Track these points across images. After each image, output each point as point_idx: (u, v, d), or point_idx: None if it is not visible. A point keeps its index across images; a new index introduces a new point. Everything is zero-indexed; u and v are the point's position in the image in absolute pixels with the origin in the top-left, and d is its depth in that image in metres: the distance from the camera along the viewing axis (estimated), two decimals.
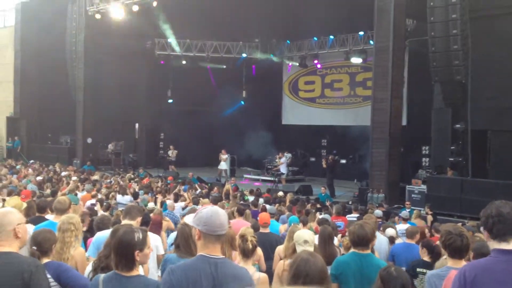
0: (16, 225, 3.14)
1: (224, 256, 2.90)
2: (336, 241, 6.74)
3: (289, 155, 23.31)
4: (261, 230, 7.20)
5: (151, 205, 10.75)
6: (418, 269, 5.60)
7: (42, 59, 26.65)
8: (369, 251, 4.33)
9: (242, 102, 28.38)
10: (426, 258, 5.77)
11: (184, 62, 26.64)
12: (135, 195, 12.79)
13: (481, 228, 2.92)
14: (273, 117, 28.17)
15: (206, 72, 27.47)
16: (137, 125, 28.74)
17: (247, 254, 4.34)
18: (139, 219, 5.15)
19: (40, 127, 28.11)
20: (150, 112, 28.00)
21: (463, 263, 3.77)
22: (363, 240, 4.26)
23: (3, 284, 2.95)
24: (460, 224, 8.56)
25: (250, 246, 4.33)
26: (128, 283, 2.93)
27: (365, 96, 23.58)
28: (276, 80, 28.89)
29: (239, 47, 26.73)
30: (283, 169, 22.28)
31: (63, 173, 18.45)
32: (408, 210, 12.54)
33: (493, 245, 2.76)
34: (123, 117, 26.92)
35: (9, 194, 10.06)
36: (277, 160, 22.87)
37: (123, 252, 2.96)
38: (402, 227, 9.62)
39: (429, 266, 5.40)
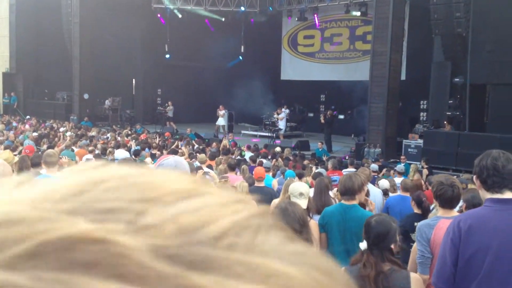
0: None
1: None
2: (331, 194, 6.77)
3: (287, 110, 23.22)
4: (256, 184, 7.23)
5: (148, 160, 10.75)
6: (415, 223, 5.62)
7: (38, 14, 26.16)
8: (355, 202, 4.35)
9: (241, 58, 28.04)
10: (417, 211, 5.80)
11: (180, 16, 26.14)
12: (135, 152, 12.74)
13: (474, 177, 2.90)
14: (272, 73, 27.88)
15: (204, 26, 26.99)
16: (134, 81, 28.47)
17: None
18: None
19: (36, 82, 27.86)
20: (147, 67, 27.66)
21: (453, 213, 3.78)
22: (349, 191, 4.29)
23: None
24: (455, 177, 8.59)
25: None
26: None
27: (365, 50, 23.26)
28: (275, 34, 28.45)
29: (237, 0, 26.18)
30: (281, 124, 22.22)
31: (62, 129, 18.40)
32: (403, 164, 12.58)
33: (486, 195, 2.75)
34: (120, 73, 26.63)
35: (6, 149, 10.03)
36: (275, 115, 22.79)
37: None
38: (397, 180, 9.66)
39: (422, 218, 5.43)
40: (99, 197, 0.25)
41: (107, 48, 25.00)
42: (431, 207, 6.03)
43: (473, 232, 2.61)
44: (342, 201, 4.41)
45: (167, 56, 27.79)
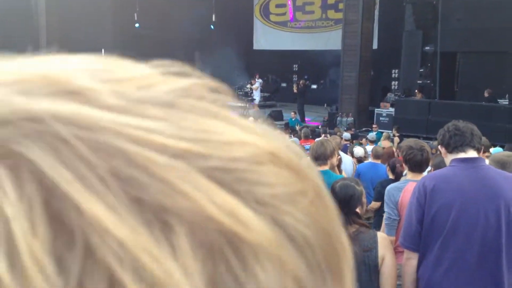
0: None
1: None
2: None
3: (261, 80, 23.10)
4: None
5: None
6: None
7: None
8: (327, 168, 4.35)
9: (212, 27, 27.64)
10: (390, 176, 5.88)
11: None
12: None
13: (439, 146, 2.97)
14: (244, 42, 27.58)
15: None
16: (103, 51, 27.66)
17: None
18: None
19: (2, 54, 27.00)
20: (117, 37, 27.00)
21: (422, 176, 3.83)
22: (321, 156, 4.28)
23: None
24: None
25: None
26: None
27: (337, 19, 23.13)
28: (247, 3, 28.05)
29: None
30: (256, 94, 22.10)
31: None
32: (375, 132, 12.70)
33: (451, 158, 2.80)
34: (89, 43, 25.91)
35: None
36: (249, 86, 22.64)
37: None
38: (368, 148, 9.75)
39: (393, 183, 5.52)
40: None
41: (74, 16, 24.30)
42: (404, 173, 6.14)
43: (437, 190, 2.66)
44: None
45: (137, 25, 27.19)
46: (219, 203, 0.21)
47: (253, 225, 0.21)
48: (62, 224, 0.19)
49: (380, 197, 5.43)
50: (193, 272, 0.19)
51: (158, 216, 0.20)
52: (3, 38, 26.15)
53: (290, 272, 0.21)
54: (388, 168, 5.97)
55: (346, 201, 2.90)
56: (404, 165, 4.12)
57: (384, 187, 5.55)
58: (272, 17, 27.82)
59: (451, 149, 2.80)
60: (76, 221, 0.19)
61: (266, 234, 0.21)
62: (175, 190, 0.20)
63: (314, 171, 0.27)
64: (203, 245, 0.20)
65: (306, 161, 0.27)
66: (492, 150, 6.99)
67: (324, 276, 0.23)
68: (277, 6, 27.49)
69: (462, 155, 2.76)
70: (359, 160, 8.21)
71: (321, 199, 0.26)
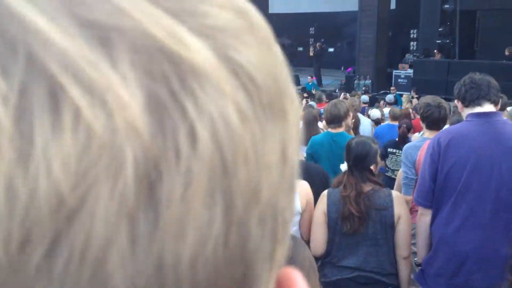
0: None
1: None
2: (321, 125, 6.79)
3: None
4: None
5: None
6: (389, 149, 5.67)
7: None
8: (342, 129, 4.32)
9: None
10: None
11: None
12: None
13: (455, 101, 2.94)
14: (260, 5, 26.82)
15: None
16: None
17: None
18: None
19: None
20: None
21: None
22: (336, 118, 4.23)
23: None
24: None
25: None
26: None
27: None
28: None
29: None
30: None
31: None
32: (393, 94, 12.57)
33: (467, 112, 2.77)
34: None
35: None
36: None
37: None
38: (386, 110, 9.68)
39: (396, 144, 5.49)
40: None
41: None
42: (419, 135, 6.08)
43: (452, 146, 2.64)
44: (329, 129, 4.36)
45: None
46: (163, 25, 0.21)
47: (195, 48, 0.21)
48: (4, 38, 0.19)
49: (382, 157, 5.49)
50: (131, 83, 0.20)
51: (100, 32, 0.20)
52: None
53: (231, 98, 0.21)
54: (398, 129, 5.94)
55: (361, 158, 2.90)
56: (421, 123, 4.06)
57: (385, 147, 5.59)
58: None
59: (467, 102, 2.76)
60: (18, 33, 0.19)
61: (208, 58, 0.21)
62: (121, 10, 0.21)
63: (265, 24, 0.28)
64: (143, 63, 0.20)
65: (257, 15, 0.28)
66: (510, 108, 6.88)
67: (266, 112, 0.23)
68: None
69: (478, 109, 2.72)
70: (377, 122, 8.17)
71: (270, 46, 0.26)
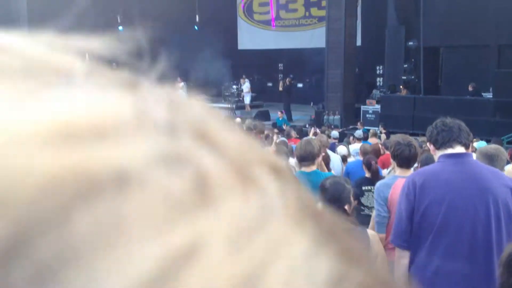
0: None
1: None
2: (292, 162, 6.78)
3: (247, 80, 23.06)
4: None
5: None
6: (363, 187, 5.66)
7: None
8: (315, 168, 4.31)
9: (196, 28, 27.55)
10: (367, 175, 5.85)
11: None
12: None
13: (427, 143, 2.99)
14: (229, 42, 27.47)
15: None
16: (87, 56, 27.55)
17: None
18: None
19: None
20: (100, 37, 26.81)
21: (410, 172, 3.83)
22: (310, 155, 4.22)
23: None
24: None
25: None
26: None
27: (320, 16, 23.18)
28: (230, 3, 28.00)
29: None
30: (247, 96, 21.83)
31: None
32: (361, 129, 12.73)
33: (439, 154, 2.81)
34: None
35: None
36: (235, 87, 22.48)
37: None
38: (356, 146, 9.77)
39: (370, 181, 5.47)
40: None
41: (57, 16, 24.01)
42: (387, 171, 6.11)
43: (427, 186, 2.66)
44: (302, 169, 4.32)
45: (120, 28, 27.02)
46: None
47: None
48: None
49: (355, 196, 5.41)
50: None
51: None
52: None
53: None
54: (364, 166, 5.94)
55: (336, 198, 2.90)
56: (392, 160, 4.10)
57: (358, 186, 5.56)
58: (256, 16, 27.81)
59: (439, 145, 2.81)
60: None
61: None
62: None
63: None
64: None
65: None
66: (476, 144, 7.02)
67: None
68: (261, 5, 27.49)
69: (450, 150, 2.77)
70: (343, 158, 8.21)
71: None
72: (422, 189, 2.66)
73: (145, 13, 25.72)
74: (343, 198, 2.91)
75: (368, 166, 5.72)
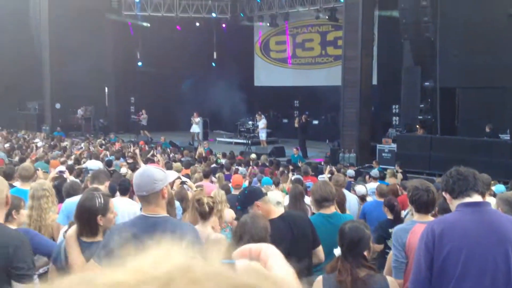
0: (7, 193, 2.90)
1: (167, 215, 2.86)
2: (307, 200, 6.80)
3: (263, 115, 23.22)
4: (233, 192, 7.22)
5: (123, 170, 10.63)
6: (390, 230, 5.64)
7: (6, 23, 25.72)
8: (333, 210, 4.35)
9: (213, 64, 28.02)
10: (389, 216, 5.83)
11: (148, 25, 26.12)
12: (108, 162, 12.56)
13: (443, 193, 3.02)
14: (245, 79, 27.85)
15: (176, 32, 26.86)
16: (106, 89, 28.15)
17: (204, 216, 4.35)
18: (107, 183, 5.09)
19: (6, 93, 27.30)
20: (120, 75, 27.39)
21: (428, 217, 3.84)
22: (329, 196, 4.27)
23: None
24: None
25: (207, 208, 4.33)
26: (88, 248, 2.90)
27: (336, 55, 23.49)
28: (247, 40, 28.50)
29: (208, 6, 26.20)
30: (262, 132, 21.87)
31: (35, 140, 18.10)
32: (376, 168, 12.72)
33: (456, 203, 2.84)
34: (92, 81, 26.29)
35: None
36: (251, 123, 22.63)
37: (86, 218, 2.92)
38: (372, 185, 9.75)
39: (394, 224, 5.46)
40: None
41: (77, 55, 24.67)
42: (405, 212, 6.09)
43: (445, 235, 2.69)
44: (321, 211, 4.36)
45: (139, 63, 27.58)
46: None
47: None
48: None
49: (381, 239, 5.38)
50: None
51: None
52: (7, 70, 26.53)
53: None
54: (385, 208, 5.94)
55: (355, 244, 2.93)
56: (410, 205, 4.13)
57: (384, 229, 5.54)
58: (273, 54, 28.23)
59: (455, 194, 2.84)
60: None
61: None
62: None
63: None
64: None
65: None
66: (494, 187, 6.97)
67: None
68: (277, 43, 27.93)
69: (467, 199, 2.80)
70: (362, 198, 8.19)
71: None
72: (441, 238, 2.69)
73: (164, 49, 26.24)
74: (363, 244, 2.94)
75: (391, 208, 5.72)
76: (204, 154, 15.27)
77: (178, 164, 11.31)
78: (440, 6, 15.16)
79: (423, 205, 3.81)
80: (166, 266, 0.38)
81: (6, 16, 25.43)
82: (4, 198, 2.85)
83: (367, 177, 11.85)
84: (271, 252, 0.64)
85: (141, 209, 4.58)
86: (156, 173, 2.75)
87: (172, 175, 3.03)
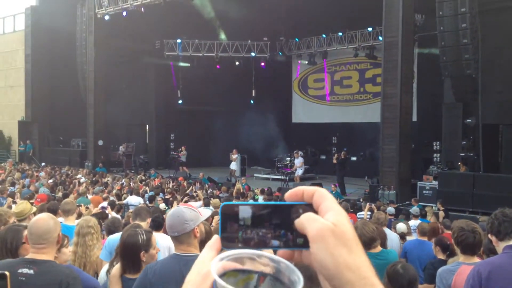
0: (59, 232, 2.97)
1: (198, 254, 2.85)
2: None
3: (301, 153, 23.19)
4: None
5: (162, 206, 10.77)
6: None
7: (53, 63, 26.93)
8: (380, 249, 4.29)
9: (252, 102, 28.38)
10: (440, 256, 5.68)
11: (188, 64, 26.84)
12: (150, 198, 12.76)
13: (489, 235, 2.97)
14: (283, 116, 28.09)
15: (216, 71, 27.44)
16: (147, 126, 28.85)
17: None
18: (149, 220, 5.16)
19: (51, 130, 28.33)
20: (160, 113, 28.12)
21: (475, 259, 3.75)
22: (375, 238, 4.23)
23: None
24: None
25: None
26: (131, 285, 2.92)
27: (375, 92, 23.48)
28: (286, 78, 28.85)
29: (247, 46, 26.75)
30: (299, 170, 21.80)
31: (78, 176, 18.58)
32: (416, 206, 12.48)
33: (502, 245, 2.78)
34: (134, 119, 27.06)
35: (30, 198, 10.08)
36: (295, 158, 22.57)
37: (129, 255, 2.97)
38: (413, 223, 9.56)
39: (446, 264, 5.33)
40: None
41: (120, 94, 25.49)
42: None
43: (492, 278, 2.63)
44: (370, 251, 4.32)
45: (180, 101, 28.21)
46: None
47: None
48: None
49: (432, 279, 5.24)
50: None
51: None
52: (53, 109, 27.55)
53: None
54: (436, 247, 5.78)
55: (412, 283, 2.90)
56: (455, 247, 4.03)
57: (436, 269, 5.39)
58: (311, 91, 28.41)
59: (501, 236, 2.79)
60: None
61: None
62: None
63: None
64: None
65: None
66: None
67: None
68: (316, 81, 28.14)
69: None
70: (401, 236, 8.03)
71: None
72: (488, 281, 2.62)
73: (203, 87, 26.79)
74: (417, 283, 2.92)
75: (444, 248, 5.57)
76: (242, 190, 15.30)
77: (217, 200, 11.37)
78: (482, 43, 15.03)
79: (469, 247, 3.73)
80: None
81: (53, 57, 26.72)
82: (56, 237, 2.92)
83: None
84: (324, 195, 0.66)
85: None
86: (187, 214, 2.80)
87: (205, 213, 3.06)
